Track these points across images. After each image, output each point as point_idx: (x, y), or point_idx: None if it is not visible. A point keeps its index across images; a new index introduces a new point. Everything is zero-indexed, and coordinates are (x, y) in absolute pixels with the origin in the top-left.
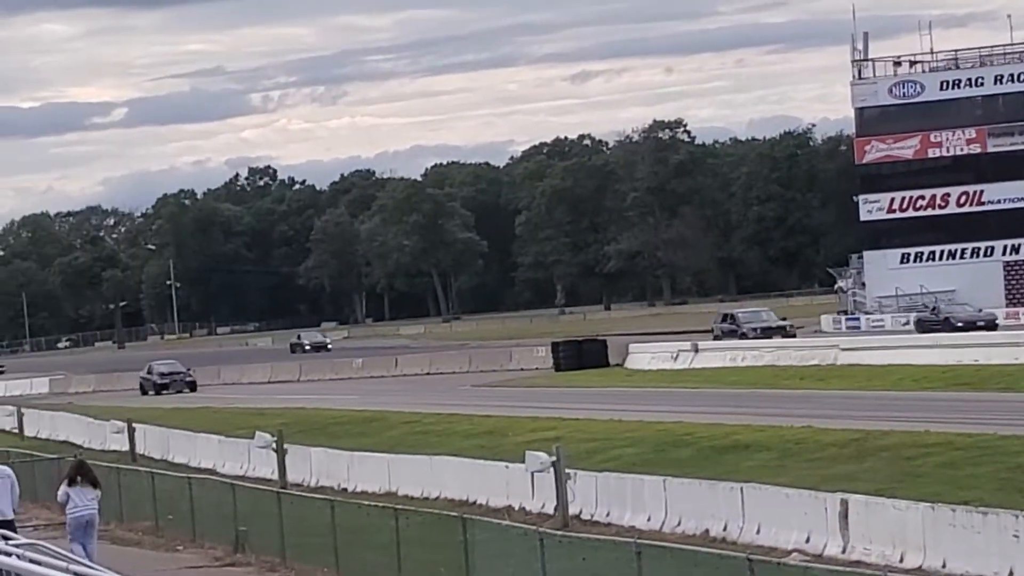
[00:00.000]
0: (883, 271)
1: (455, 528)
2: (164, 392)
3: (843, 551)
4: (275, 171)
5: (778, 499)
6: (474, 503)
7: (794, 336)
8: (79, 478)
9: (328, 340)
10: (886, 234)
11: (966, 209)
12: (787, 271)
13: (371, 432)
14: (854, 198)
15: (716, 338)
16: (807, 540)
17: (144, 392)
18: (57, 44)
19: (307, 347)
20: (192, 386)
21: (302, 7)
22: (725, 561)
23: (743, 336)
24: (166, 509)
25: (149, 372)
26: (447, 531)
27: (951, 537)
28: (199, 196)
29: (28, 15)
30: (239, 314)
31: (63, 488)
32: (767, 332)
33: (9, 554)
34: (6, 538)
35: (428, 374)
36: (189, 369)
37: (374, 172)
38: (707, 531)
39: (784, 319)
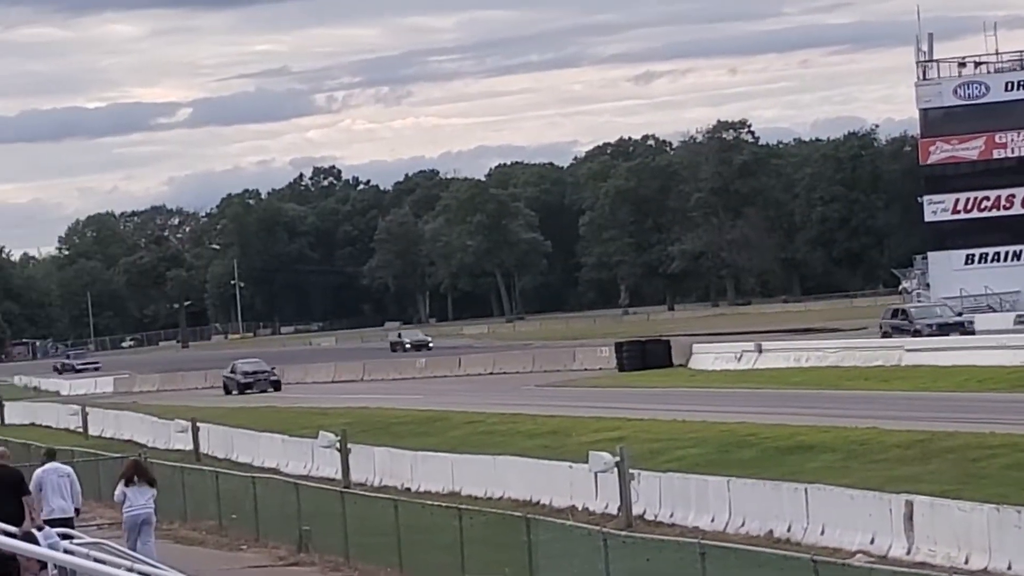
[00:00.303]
0: (947, 272)
1: (519, 528)
2: (248, 391)
3: (908, 552)
4: (339, 171)
5: (843, 500)
6: (538, 503)
7: (973, 333)
8: (136, 477)
9: (430, 339)
10: (950, 235)
11: None
12: (851, 272)
13: (435, 432)
14: (918, 199)
15: (885, 335)
16: (872, 541)
17: (228, 391)
18: (124, 45)
19: (407, 345)
20: (276, 385)
21: (368, 8)
22: (789, 562)
23: (916, 333)
24: (230, 508)
25: (232, 371)
26: (511, 531)
27: (1016, 539)
28: (263, 196)
29: (95, 15)
30: (303, 314)
31: (120, 487)
32: (944, 328)
33: (73, 553)
34: (69, 537)
35: (491, 374)
36: (273, 368)
37: (438, 172)
38: (771, 532)
39: (960, 314)
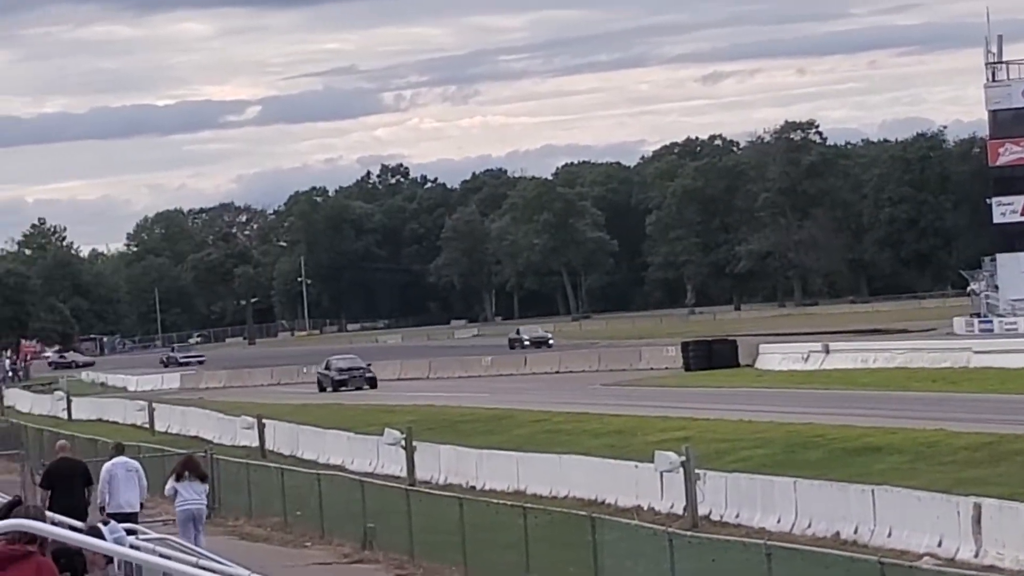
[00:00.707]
0: (1016, 274)
1: (584, 527)
2: (343, 389)
3: (975, 555)
4: (407, 169)
5: (910, 502)
6: (603, 502)
7: None
8: (187, 473)
9: (550, 336)
10: (1019, 237)
11: None
12: (919, 273)
13: (500, 430)
14: (987, 200)
15: None
16: (939, 544)
17: (322, 388)
18: (194, 43)
19: (526, 342)
20: (372, 383)
21: (436, 7)
22: (856, 564)
23: None
24: (295, 505)
25: (327, 368)
26: (576, 530)
27: None
28: (331, 194)
29: (166, 14)
30: (369, 311)
31: (171, 482)
32: None
33: (139, 548)
34: (134, 532)
35: (557, 373)
36: (369, 364)
37: (505, 171)
38: (838, 533)
39: None
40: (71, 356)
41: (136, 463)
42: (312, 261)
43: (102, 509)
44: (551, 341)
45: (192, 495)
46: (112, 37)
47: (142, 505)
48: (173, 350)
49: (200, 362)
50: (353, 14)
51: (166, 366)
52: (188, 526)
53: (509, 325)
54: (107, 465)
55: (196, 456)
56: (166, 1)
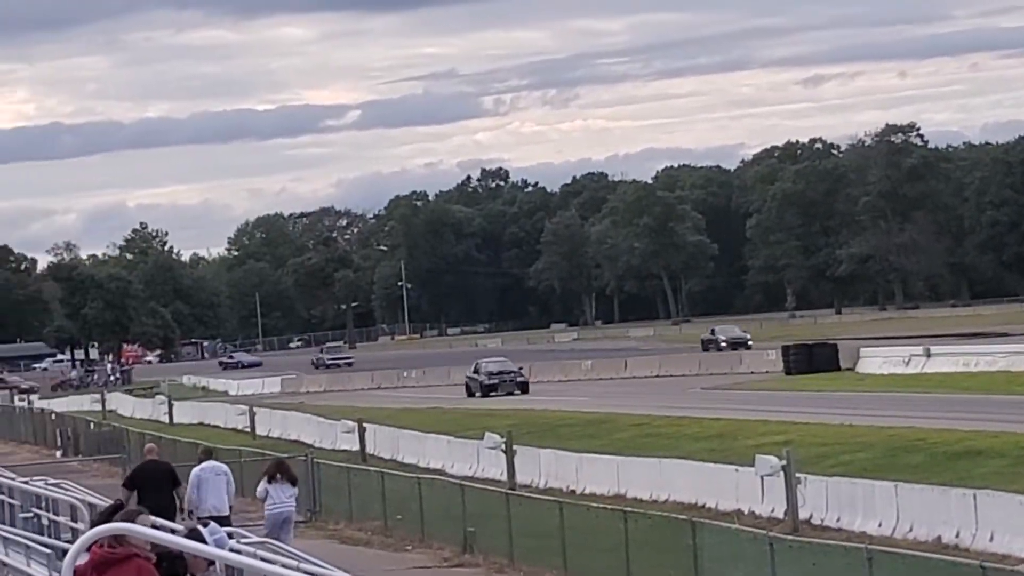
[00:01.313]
0: None
1: (684, 531)
2: (492, 394)
3: None
4: (507, 173)
5: (1012, 506)
6: (703, 506)
7: None
8: (279, 475)
9: (748, 336)
10: None
11: None
12: (1020, 276)
13: (600, 434)
14: None
15: None
16: None
17: (470, 393)
18: (294, 47)
19: (723, 343)
20: (524, 387)
21: (537, 11)
22: (958, 568)
23: None
24: (395, 509)
25: (476, 371)
26: (676, 534)
27: None
28: (431, 198)
29: (267, 19)
30: (469, 315)
31: (263, 484)
32: None
33: (240, 552)
34: (236, 536)
35: (657, 376)
36: (520, 368)
37: (606, 175)
38: (939, 538)
39: None
40: (238, 356)
41: (225, 467)
42: (412, 265)
43: (190, 513)
44: (750, 342)
45: (283, 497)
46: (213, 42)
47: (232, 508)
48: (322, 351)
49: (349, 364)
50: (453, 18)
51: (316, 368)
52: (277, 528)
53: (610, 329)
54: (195, 470)
55: (287, 460)
56: (267, 6)
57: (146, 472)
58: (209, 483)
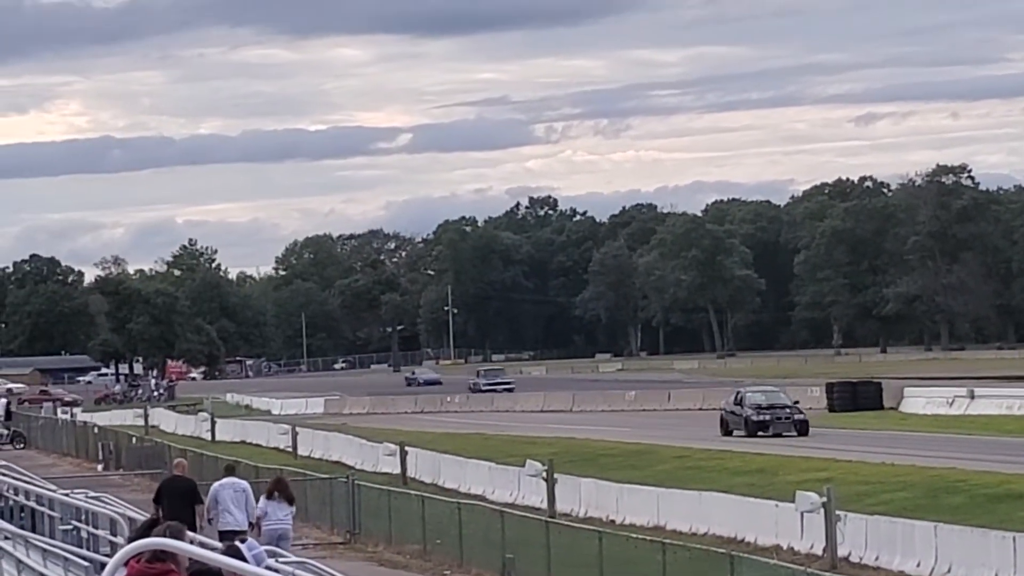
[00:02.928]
0: None
1: (723, 565)
2: (761, 433)
3: None
4: (555, 201)
5: None
6: (742, 541)
7: None
8: (276, 493)
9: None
10: None
11: None
12: None
13: (641, 465)
14: None
15: None
16: None
17: (727, 431)
18: (349, 69)
19: None
20: (802, 427)
21: (594, 40)
22: None
23: None
24: (435, 533)
25: (738, 402)
26: (715, 567)
27: None
28: (479, 223)
29: (323, 39)
30: (514, 342)
31: (263, 500)
32: None
33: (279, 572)
34: (277, 555)
35: (701, 409)
36: (796, 402)
37: (655, 206)
38: None
39: None
40: (418, 373)
41: (245, 483)
42: (459, 290)
43: (209, 522)
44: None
45: (279, 515)
46: (268, 60)
47: (251, 524)
48: (479, 375)
49: (510, 390)
50: (508, 44)
51: (472, 392)
52: (273, 545)
53: (655, 360)
54: (215, 485)
55: (285, 478)
56: (322, 27)
57: (170, 487)
58: (228, 498)
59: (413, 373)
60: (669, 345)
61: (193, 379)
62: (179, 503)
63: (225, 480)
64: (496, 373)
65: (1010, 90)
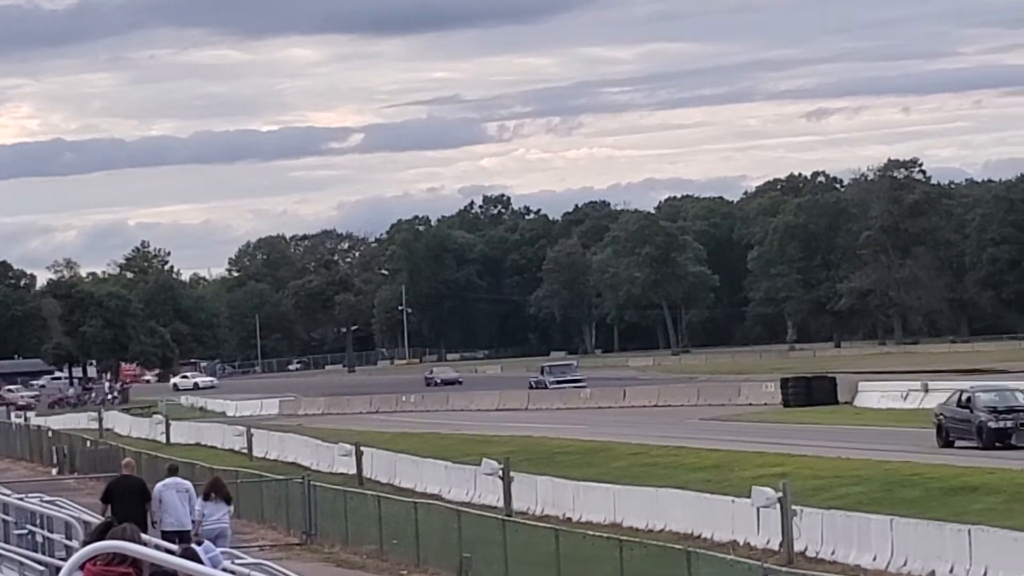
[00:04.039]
0: None
1: (679, 561)
2: (1001, 444)
3: None
4: (509, 200)
5: (1006, 543)
6: (699, 537)
7: None
8: (213, 494)
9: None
10: None
11: None
12: (1020, 314)
13: (597, 462)
14: None
15: None
16: None
17: (946, 441)
18: (302, 69)
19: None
20: None
21: (547, 37)
22: None
23: None
24: (391, 533)
25: (965, 404)
26: (671, 564)
27: None
28: (433, 223)
29: (275, 39)
30: (469, 341)
31: (199, 501)
32: None
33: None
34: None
35: (656, 406)
36: None
37: (608, 203)
38: (933, 572)
39: None
40: (437, 372)
41: (188, 483)
42: (413, 290)
43: (153, 524)
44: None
45: (216, 515)
46: (219, 61)
47: (194, 523)
48: (545, 371)
49: (581, 386)
50: (461, 43)
51: (533, 389)
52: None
53: (610, 358)
54: (159, 486)
55: (221, 478)
56: (274, 27)
57: (120, 487)
58: (170, 498)
59: (431, 372)
60: (623, 342)
61: (147, 382)
62: (129, 502)
63: (168, 480)
64: (565, 369)
65: (961, 84)
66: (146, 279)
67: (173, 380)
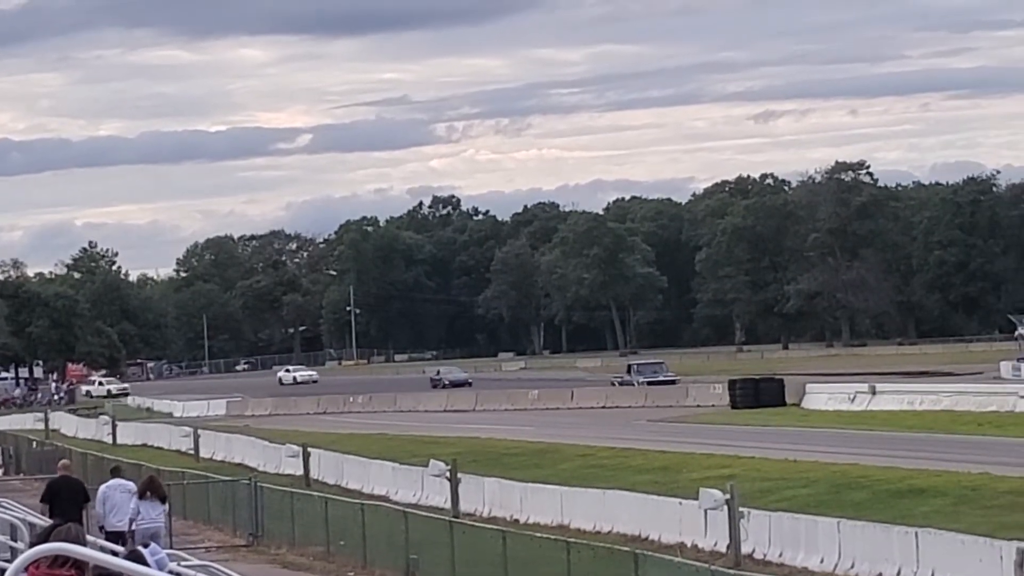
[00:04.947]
0: None
1: (627, 563)
2: None
3: None
4: (458, 200)
5: (953, 545)
6: (646, 539)
7: None
8: (148, 493)
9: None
10: None
11: None
12: (967, 316)
13: (545, 464)
14: None
15: None
16: None
17: None
18: (252, 69)
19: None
20: None
21: (498, 39)
22: None
23: None
24: (338, 535)
25: None
26: (619, 566)
27: None
28: (381, 223)
29: (224, 40)
30: (417, 342)
31: (134, 501)
32: None
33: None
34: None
35: (604, 408)
36: None
37: (556, 204)
38: (880, 575)
39: None
40: (444, 373)
41: (131, 484)
42: (361, 290)
43: (101, 528)
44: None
45: (152, 514)
46: (168, 62)
47: (131, 521)
48: (630, 371)
49: (672, 383)
50: (411, 44)
51: (614, 386)
52: (147, 543)
53: (558, 359)
54: (103, 487)
55: (157, 477)
56: (223, 27)
57: (58, 487)
58: (114, 500)
59: (438, 373)
60: (572, 343)
61: (94, 382)
62: (68, 502)
63: (112, 481)
64: (657, 368)
65: (908, 87)
66: (93, 279)
67: (86, 388)
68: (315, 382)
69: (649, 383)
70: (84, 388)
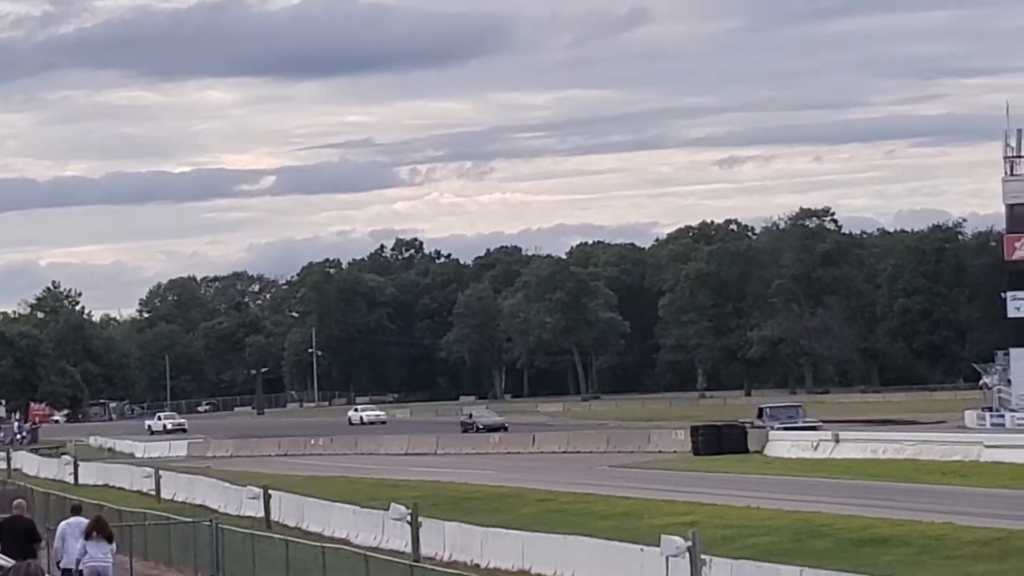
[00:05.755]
0: None
1: None
2: None
3: None
4: (421, 243)
5: None
6: None
7: None
8: (95, 533)
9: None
10: None
11: None
12: (931, 365)
13: (506, 508)
14: (1002, 294)
15: None
16: None
17: None
18: (217, 111)
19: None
20: None
21: (463, 82)
22: None
23: None
24: None
25: None
26: None
27: None
28: (344, 266)
29: (189, 81)
30: (379, 384)
31: (80, 541)
32: None
33: None
34: None
35: (565, 452)
36: None
37: (519, 248)
38: None
39: None
40: (477, 417)
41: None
42: (323, 332)
43: (58, 564)
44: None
45: (99, 554)
46: (134, 103)
47: (77, 561)
48: (762, 415)
49: (814, 428)
50: (377, 86)
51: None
52: None
53: (520, 403)
54: (62, 524)
55: (104, 517)
56: (188, 69)
57: (10, 527)
58: (72, 538)
59: (470, 417)
60: (534, 387)
61: (56, 422)
62: (18, 542)
63: (72, 519)
64: (793, 412)
65: (873, 134)
66: (57, 319)
67: (147, 423)
68: (383, 423)
69: (787, 430)
70: (147, 423)
